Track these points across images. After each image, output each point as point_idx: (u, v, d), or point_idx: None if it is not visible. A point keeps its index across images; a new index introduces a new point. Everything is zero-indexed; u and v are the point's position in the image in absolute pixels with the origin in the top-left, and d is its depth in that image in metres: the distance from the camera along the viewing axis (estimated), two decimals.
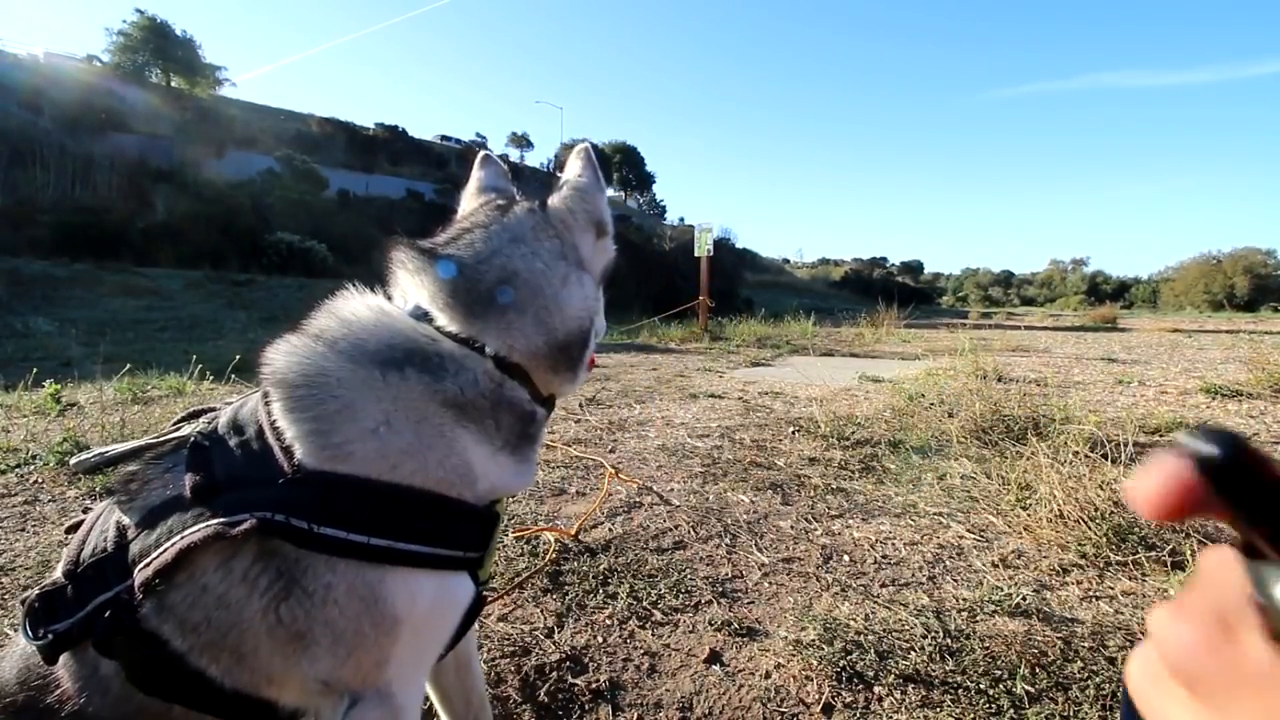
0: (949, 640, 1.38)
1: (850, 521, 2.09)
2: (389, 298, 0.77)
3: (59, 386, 3.75)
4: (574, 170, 0.85)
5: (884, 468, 2.64)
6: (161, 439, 0.72)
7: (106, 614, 0.62)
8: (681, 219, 53.57)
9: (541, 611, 1.52)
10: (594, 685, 1.26)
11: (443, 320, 0.73)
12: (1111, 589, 1.63)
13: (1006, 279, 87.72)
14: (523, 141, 51.95)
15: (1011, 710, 1.17)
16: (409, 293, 0.76)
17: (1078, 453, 2.17)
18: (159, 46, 29.27)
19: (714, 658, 1.35)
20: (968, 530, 1.99)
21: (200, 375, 4.36)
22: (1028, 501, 2.08)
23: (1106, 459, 2.23)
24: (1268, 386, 4.23)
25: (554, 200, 0.82)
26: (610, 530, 2.00)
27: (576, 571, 1.71)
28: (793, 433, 3.22)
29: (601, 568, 1.72)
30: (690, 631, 1.45)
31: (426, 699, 0.97)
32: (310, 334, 0.70)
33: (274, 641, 0.61)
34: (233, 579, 0.60)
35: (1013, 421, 2.97)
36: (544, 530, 1.94)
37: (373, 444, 0.64)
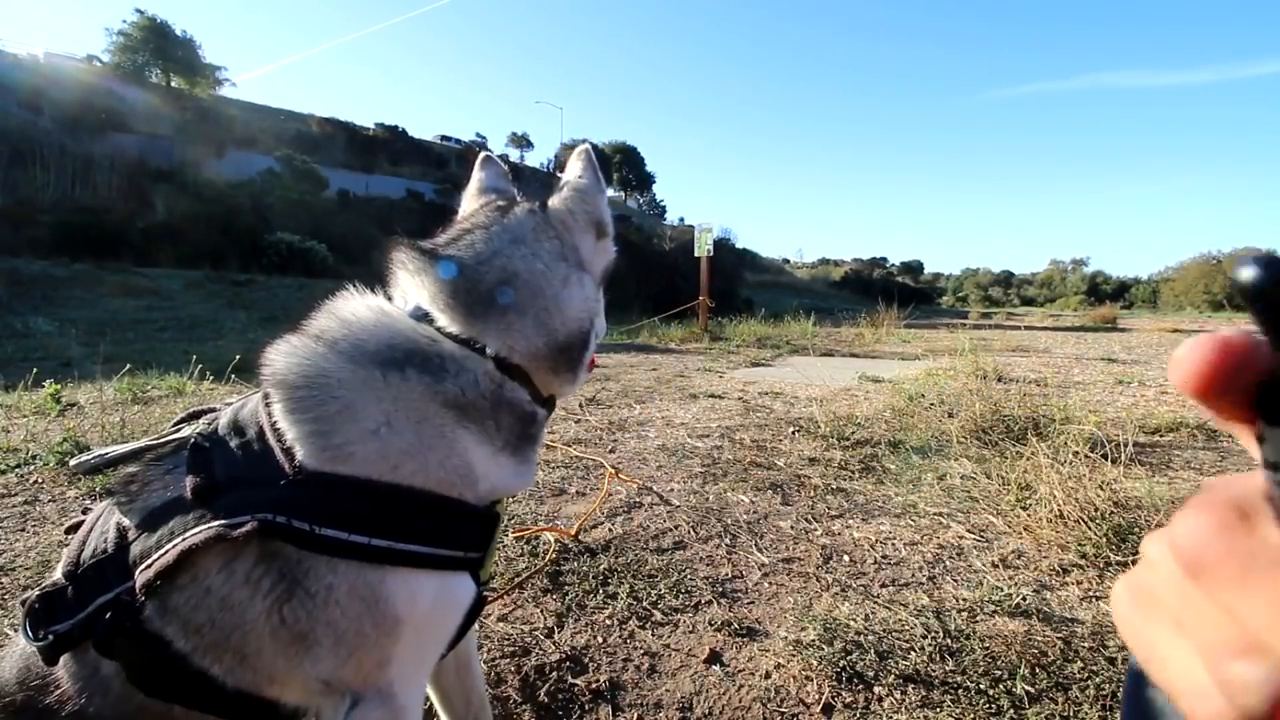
0: (949, 640, 1.38)
1: (850, 521, 2.09)
2: (389, 298, 0.77)
3: (59, 386, 3.75)
4: (574, 171, 0.85)
5: (884, 468, 2.64)
6: (162, 440, 0.72)
7: (107, 615, 0.62)
8: (681, 219, 53.65)
9: (541, 611, 1.52)
10: (594, 685, 1.26)
11: (443, 321, 0.73)
12: (1111, 589, 1.63)
13: (1006, 279, 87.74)
14: (523, 142, 51.96)
15: (1011, 710, 1.17)
16: (409, 293, 0.76)
17: (1078, 453, 2.18)
18: (159, 46, 29.27)
19: (714, 658, 1.35)
20: (968, 530, 2.00)
21: (200, 375, 4.37)
22: (1028, 501, 2.08)
23: (1106, 459, 2.23)
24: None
25: (554, 201, 0.82)
26: (610, 530, 2.00)
27: (576, 571, 1.71)
28: (793, 433, 3.22)
29: (601, 568, 1.72)
30: (690, 631, 1.45)
31: (426, 699, 0.97)
32: (310, 334, 0.70)
33: (277, 642, 0.61)
34: (235, 580, 0.60)
35: (1013, 421, 2.97)
36: (544, 530, 1.94)
37: (373, 445, 0.64)
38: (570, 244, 0.80)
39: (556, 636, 1.42)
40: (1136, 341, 9.29)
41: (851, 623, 1.46)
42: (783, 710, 1.20)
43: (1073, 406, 3.02)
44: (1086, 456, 2.18)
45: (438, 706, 0.98)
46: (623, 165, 50.36)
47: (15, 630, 0.78)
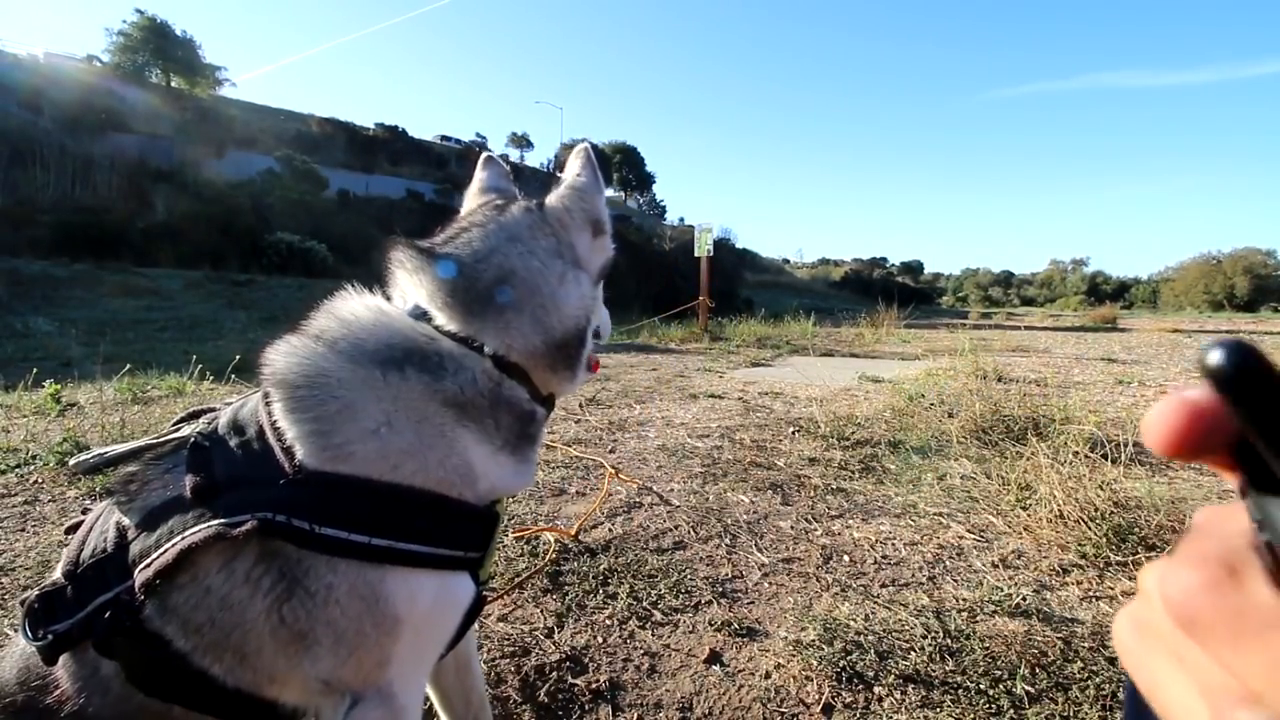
0: (949, 640, 1.38)
1: (850, 522, 2.09)
2: (388, 298, 0.77)
3: (59, 386, 3.75)
4: (573, 170, 0.85)
5: (884, 468, 2.64)
6: (161, 439, 0.72)
7: (107, 614, 0.62)
8: (681, 219, 53.65)
9: (541, 611, 1.52)
10: (594, 685, 1.26)
11: (441, 319, 0.73)
12: (1111, 589, 1.63)
13: (1006, 279, 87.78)
14: (523, 142, 51.96)
15: (1011, 710, 1.17)
16: (408, 292, 0.76)
17: (1078, 453, 2.17)
18: (159, 46, 29.27)
19: (714, 658, 1.35)
20: (968, 530, 1.99)
21: (200, 375, 4.37)
22: (1028, 502, 2.08)
23: (1106, 459, 2.23)
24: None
25: (551, 199, 0.83)
26: (610, 530, 2.00)
27: (576, 571, 1.71)
28: (793, 433, 3.22)
29: (601, 568, 1.72)
30: (690, 631, 1.45)
31: (426, 699, 0.97)
32: (310, 334, 0.70)
33: (276, 641, 0.61)
34: (235, 580, 0.60)
35: (1013, 421, 2.97)
36: (544, 530, 1.94)
37: (373, 444, 0.64)
38: (567, 241, 0.80)
39: (556, 636, 1.42)
40: (1136, 341, 9.29)
41: (851, 623, 1.45)
42: (783, 710, 1.20)
43: (1073, 406, 3.02)
44: (1086, 456, 2.17)
45: (437, 706, 0.98)
46: (623, 165, 50.36)
47: (15, 630, 0.78)
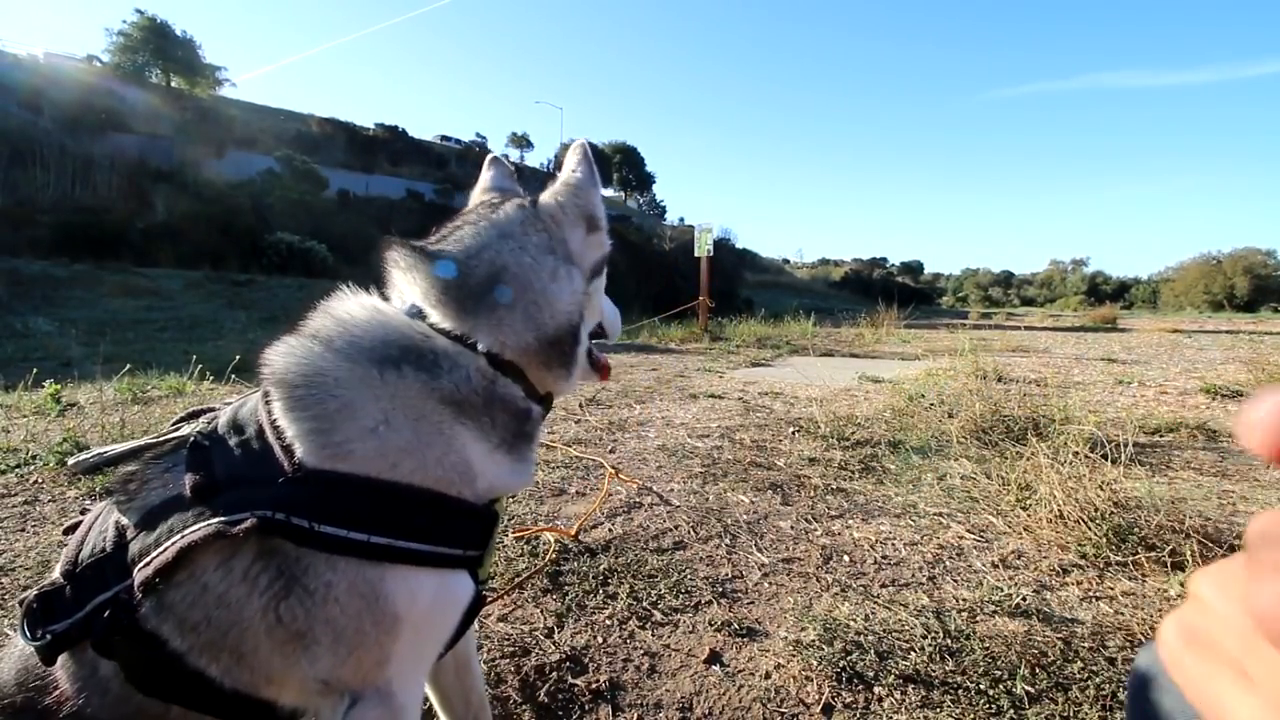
0: (949, 640, 1.38)
1: (850, 522, 2.09)
2: (387, 298, 0.77)
3: (59, 386, 3.75)
4: (570, 165, 0.85)
5: (884, 468, 2.64)
6: (161, 439, 0.72)
7: (105, 614, 0.62)
8: (681, 219, 53.63)
9: (541, 611, 1.52)
10: (594, 685, 1.26)
11: (436, 317, 0.73)
12: (1111, 589, 1.63)
13: (1006, 279, 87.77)
14: (523, 142, 51.96)
15: (1011, 710, 1.17)
16: (404, 291, 0.76)
17: (1078, 453, 2.17)
18: (159, 47, 29.27)
19: (714, 658, 1.35)
20: (968, 530, 1.99)
21: (200, 375, 4.37)
22: (1028, 502, 2.08)
23: (1106, 459, 2.23)
24: (1268, 387, 4.23)
25: (545, 196, 0.83)
26: (610, 530, 2.00)
27: (576, 571, 1.71)
28: (793, 433, 3.22)
29: (601, 568, 1.72)
30: (690, 631, 1.45)
31: (426, 699, 0.97)
32: (307, 334, 0.70)
33: (274, 641, 0.61)
34: (233, 578, 0.60)
35: (1013, 422, 2.97)
36: (544, 530, 1.94)
37: (372, 443, 0.64)
38: (559, 237, 0.80)
39: (556, 636, 1.42)
40: (1136, 342, 9.28)
41: (851, 623, 1.45)
42: (783, 710, 1.20)
43: (1073, 406, 3.02)
44: (1086, 456, 2.17)
45: (437, 706, 0.98)
46: (623, 165, 50.35)
47: (14, 630, 0.78)
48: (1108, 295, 58.10)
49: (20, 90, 22.76)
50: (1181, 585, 1.60)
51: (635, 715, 1.19)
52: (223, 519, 0.59)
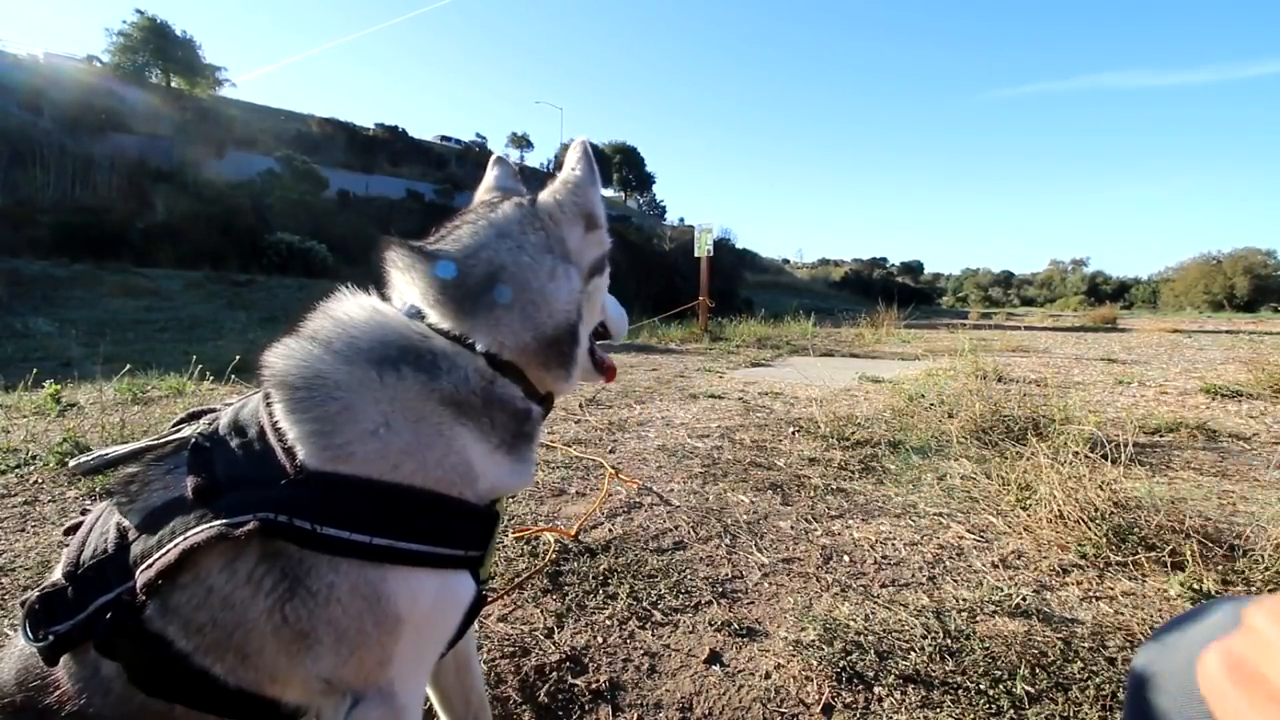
0: (949, 640, 1.38)
1: (850, 522, 2.09)
2: (388, 298, 0.77)
3: (59, 387, 3.75)
4: (569, 163, 0.85)
5: (884, 468, 2.64)
6: (162, 440, 0.72)
7: (108, 615, 0.62)
8: (681, 219, 53.66)
9: (541, 612, 1.52)
10: (594, 685, 1.26)
11: (434, 317, 0.73)
12: (1111, 589, 1.63)
13: (1006, 279, 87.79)
14: (523, 142, 51.97)
15: (1011, 710, 1.17)
16: (403, 291, 0.76)
17: (1078, 453, 2.17)
18: (159, 47, 29.29)
19: (714, 658, 1.35)
20: (968, 530, 1.99)
21: (200, 376, 4.37)
22: (1028, 502, 2.08)
23: (1106, 459, 2.23)
24: (1268, 387, 4.23)
25: (544, 194, 0.82)
26: (610, 530, 2.00)
27: (576, 572, 1.71)
28: (793, 433, 3.22)
29: (601, 568, 1.72)
30: (690, 631, 1.45)
31: (426, 699, 0.97)
32: (306, 335, 0.70)
33: (278, 641, 0.61)
34: (238, 580, 0.60)
35: (1013, 422, 2.97)
36: (544, 530, 1.94)
37: (373, 444, 0.64)
38: (557, 236, 0.80)
39: (556, 636, 1.42)
40: (1136, 342, 9.28)
41: (851, 623, 1.45)
42: (783, 710, 1.20)
43: (1073, 406, 3.02)
44: (1086, 457, 2.17)
45: (437, 706, 0.98)
46: (623, 165, 50.36)
47: (15, 630, 0.78)
48: (1108, 295, 58.11)
49: (20, 90, 22.77)
50: (1181, 585, 1.60)
51: (635, 715, 1.19)
52: (225, 521, 0.60)
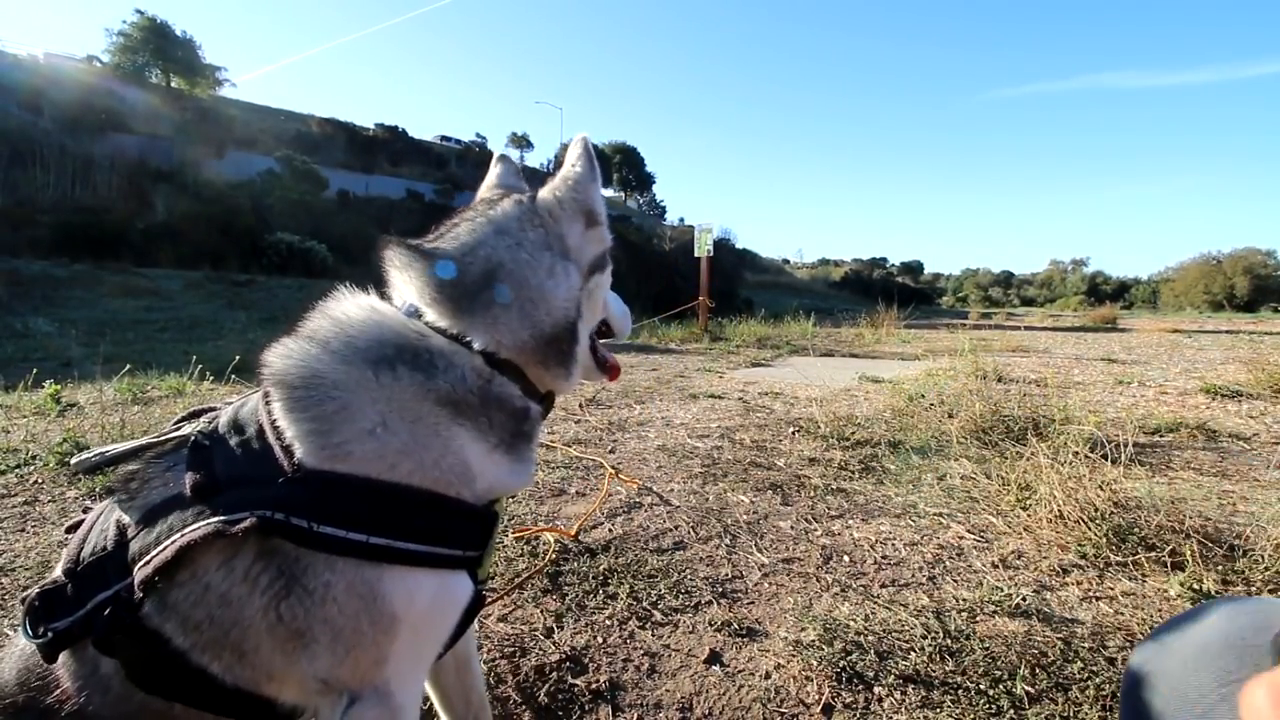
0: (949, 641, 1.38)
1: (850, 522, 2.09)
2: (388, 298, 0.77)
3: (59, 387, 3.75)
4: (570, 160, 0.85)
5: (884, 468, 2.64)
6: (162, 438, 0.72)
7: (106, 612, 0.62)
8: (681, 219, 53.70)
9: (541, 612, 1.52)
10: (594, 685, 1.26)
11: (431, 315, 0.73)
12: (1111, 589, 1.63)
13: (1006, 279, 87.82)
14: (523, 142, 52.01)
15: (1011, 710, 1.17)
16: (402, 290, 0.76)
17: (1078, 453, 2.17)
18: (159, 47, 29.31)
19: (714, 658, 1.35)
20: (968, 530, 1.99)
21: (200, 375, 4.36)
22: (1028, 502, 2.08)
23: (1106, 459, 2.23)
24: (1268, 387, 4.23)
25: (544, 191, 0.82)
26: (610, 530, 2.00)
27: (576, 572, 1.71)
28: (793, 433, 3.22)
29: (601, 568, 1.72)
30: (690, 632, 1.45)
31: (426, 699, 0.97)
32: (304, 335, 0.70)
33: (274, 639, 0.61)
34: (234, 577, 0.60)
35: (1013, 422, 2.97)
36: (544, 530, 1.94)
37: (371, 444, 0.64)
38: (556, 233, 0.79)
39: (556, 636, 1.42)
40: (1136, 342, 9.28)
41: (851, 623, 1.45)
42: (783, 710, 1.20)
43: (1073, 406, 3.02)
44: (1086, 457, 2.17)
45: (437, 706, 0.98)
46: (623, 165, 50.38)
47: (15, 630, 0.78)
48: (1108, 295, 58.09)
49: (20, 90, 22.78)
50: (1181, 585, 1.60)
51: (635, 715, 1.19)
52: (222, 518, 0.60)
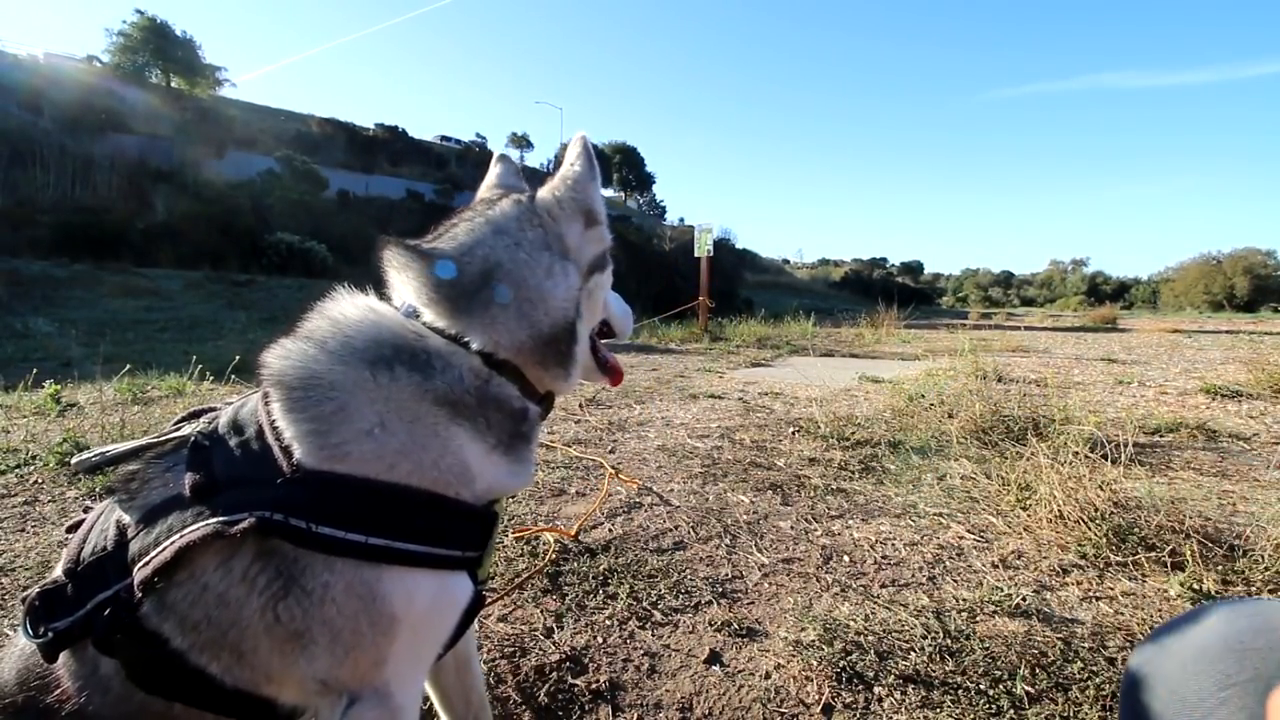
0: (949, 641, 1.38)
1: (850, 522, 2.09)
2: (388, 298, 0.77)
3: (59, 387, 3.75)
4: (569, 159, 0.85)
5: (884, 468, 2.64)
6: (162, 439, 0.72)
7: (106, 612, 0.62)
8: (681, 219, 53.67)
9: (541, 612, 1.52)
10: (594, 685, 1.26)
11: (429, 316, 0.73)
12: (1111, 589, 1.63)
13: (1006, 279, 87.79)
14: (523, 142, 52.00)
15: (1011, 710, 1.17)
16: (400, 290, 0.76)
17: (1078, 453, 2.17)
18: (159, 47, 29.29)
19: (714, 658, 1.35)
20: (968, 531, 1.99)
21: (200, 375, 4.36)
22: (1028, 502, 2.08)
23: (1106, 459, 2.23)
24: (1268, 387, 4.23)
25: (543, 191, 0.82)
26: (610, 531, 2.00)
27: (576, 572, 1.71)
28: (793, 433, 3.22)
29: (601, 568, 1.72)
30: (690, 632, 1.45)
31: (426, 699, 0.97)
32: (302, 335, 0.70)
33: (273, 640, 0.61)
34: (233, 578, 0.60)
35: (1013, 422, 2.97)
36: (544, 530, 1.94)
37: (369, 444, 0.64)
38: (555, 233, 0.79)
39: (556, 636, 1.42)
40: (1136, 342, 9.28)
41: (851, 623, 1.45)
42: (783, 710, 1.20)
43: (1073, 407, 3.02)
44: (1086, 457, 2.17)
45: (437, 706, 0.98)
46: (622, 165, 50.37)
47: (15, 630, 0.78)
48: (1108, 295, 58.09)
49: (20, 90, 22.78)
50: (1181, 585, 1.60)
51: (635, 715, 1.19)
52: (221, 519, 0.60)
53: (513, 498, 2.22)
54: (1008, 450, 2.46)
